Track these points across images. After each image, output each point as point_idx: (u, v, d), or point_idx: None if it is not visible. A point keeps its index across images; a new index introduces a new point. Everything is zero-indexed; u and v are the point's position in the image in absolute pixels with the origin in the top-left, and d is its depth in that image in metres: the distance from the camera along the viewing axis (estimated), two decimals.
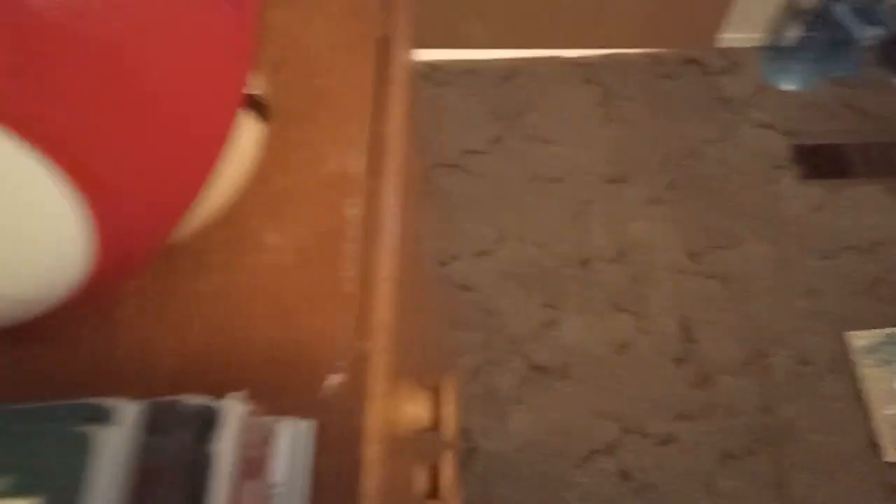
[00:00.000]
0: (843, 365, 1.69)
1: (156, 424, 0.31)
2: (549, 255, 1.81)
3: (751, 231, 1.84)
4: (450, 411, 0.50)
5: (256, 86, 0.44)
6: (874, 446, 1.61)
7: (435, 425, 0.50)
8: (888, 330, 1.71)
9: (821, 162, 1.93)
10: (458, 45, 2.02)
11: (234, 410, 0.32)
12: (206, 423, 0.31)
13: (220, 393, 0.33)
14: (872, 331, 1.71)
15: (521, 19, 1.96)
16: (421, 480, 0.61)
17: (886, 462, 1.59)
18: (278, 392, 0.41)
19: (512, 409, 1.63)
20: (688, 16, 1.95)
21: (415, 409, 0.50)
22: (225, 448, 0.31)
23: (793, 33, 1.97)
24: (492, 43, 2.01)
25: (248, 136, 0.42)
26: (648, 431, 1.62)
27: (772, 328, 1.73)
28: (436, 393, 0.51)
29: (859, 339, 1.70)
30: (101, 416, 0.30)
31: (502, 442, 1.59)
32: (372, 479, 0.38)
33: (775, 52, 2.03)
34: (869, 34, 1.80)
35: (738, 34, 2.03)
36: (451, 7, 1.91)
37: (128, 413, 0.31)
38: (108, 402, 0.31)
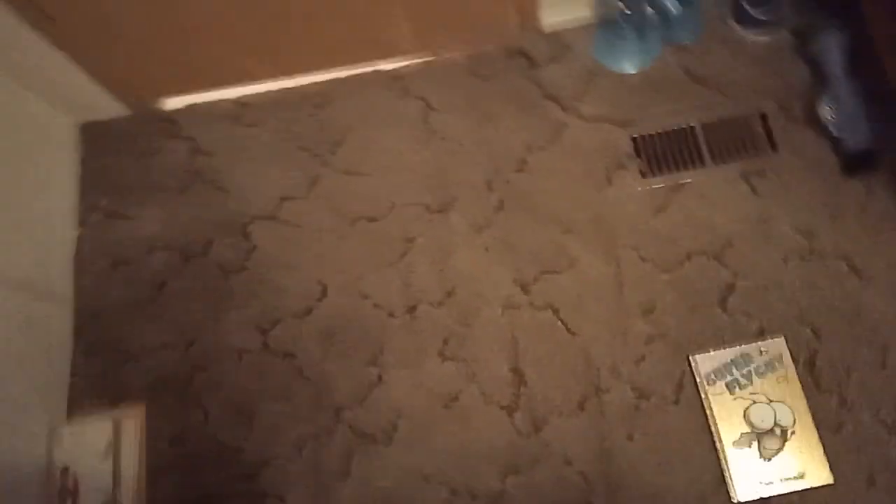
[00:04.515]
0: (689, 393, 1.52)
1: None
2: (373, 306, 1.67)
3: (585, 249, 1.64)
4: None
5: None
6: (724, 483, 1.46)
7: None
8: (738, 348, 1.52)
9: (663, 152, 1.68)
10: (256, 78, 1.85)
11: None
12: None
13: None
14: (721, 351, 1.52)
15: (318, 40, 1.76)
16: None
17: (736, 503, 1.44)
18: None
19: (338, 485, 1.55)
20: (494, 4, 1.70)
21: None
22: None
23: (620, 5, 1.69)
24: (286, 70, 1.83)
25: None
26: (478, 492, 1.51)
27: (609, 359, 1.56)
28: None
29: (705, 361, 1.52)
30: None
31: None
32: None
33: (605, 28, 1.76)
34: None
35: (561, 16, 1.76)
36: (231, 43, 1.73)
37: None
38: None
